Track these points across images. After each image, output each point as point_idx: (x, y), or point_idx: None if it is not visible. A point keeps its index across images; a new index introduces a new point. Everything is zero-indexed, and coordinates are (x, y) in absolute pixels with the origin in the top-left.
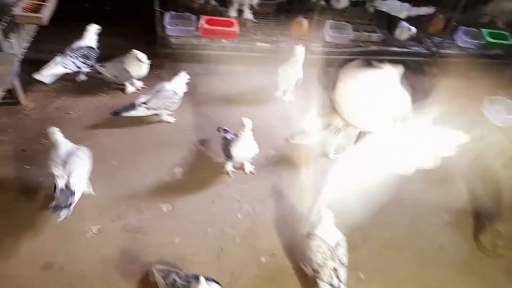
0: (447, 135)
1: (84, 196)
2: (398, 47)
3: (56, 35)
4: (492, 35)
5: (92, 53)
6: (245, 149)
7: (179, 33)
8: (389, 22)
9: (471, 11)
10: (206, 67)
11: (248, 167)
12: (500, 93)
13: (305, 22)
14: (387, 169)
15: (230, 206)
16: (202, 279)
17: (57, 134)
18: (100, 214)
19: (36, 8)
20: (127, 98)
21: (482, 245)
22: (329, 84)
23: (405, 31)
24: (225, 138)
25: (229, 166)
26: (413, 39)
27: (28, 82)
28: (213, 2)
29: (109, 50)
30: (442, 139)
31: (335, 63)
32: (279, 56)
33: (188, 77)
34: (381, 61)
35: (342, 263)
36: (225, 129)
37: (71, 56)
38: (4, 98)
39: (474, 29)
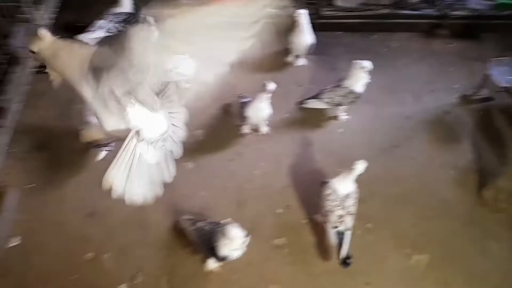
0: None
1: None
2: (410, 9)
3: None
4: None
5: (132, 19)
6: (259, 110)
7: None
8: None
9: None
10: None
11: (264, 129)
12: (508, 54)
13: None
14: None
15: (248, 164)
16: (227, 223)
17: None
18: None
19: None
20: None
21: (484, 199)
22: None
23: None
24: (241, 102)
25: (245, 128)
26: (425, 1)
27: None
28: None
29: None
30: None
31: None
32: (288, 21)
33: None
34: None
35: (350, 212)
36: (241, 95)
37: (113, 21)
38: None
39: None
